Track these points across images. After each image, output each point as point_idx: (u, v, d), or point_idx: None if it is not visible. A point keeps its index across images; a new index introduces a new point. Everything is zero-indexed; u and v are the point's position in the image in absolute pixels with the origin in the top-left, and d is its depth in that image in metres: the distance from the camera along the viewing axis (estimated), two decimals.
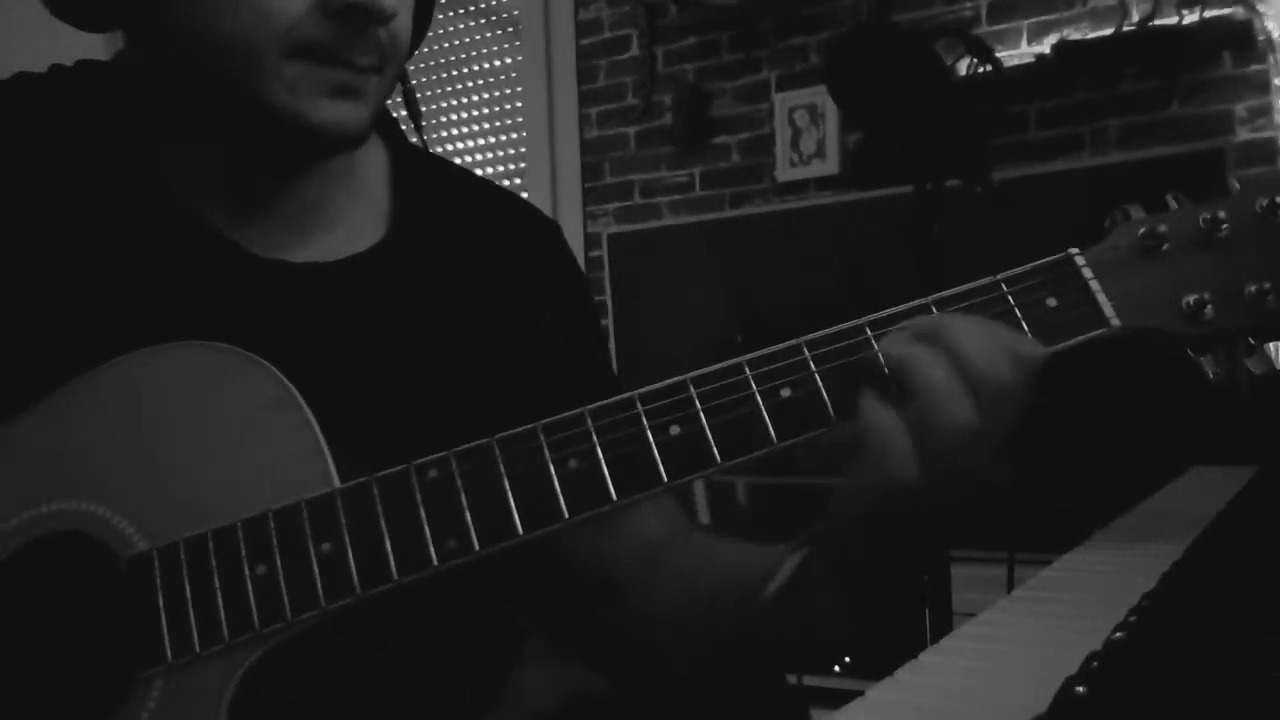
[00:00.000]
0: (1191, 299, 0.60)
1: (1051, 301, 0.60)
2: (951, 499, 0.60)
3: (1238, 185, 0.61)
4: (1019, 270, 0.61)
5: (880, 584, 0.64)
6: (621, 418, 0.60)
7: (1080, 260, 0.61)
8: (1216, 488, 1.07)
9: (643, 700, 0.84)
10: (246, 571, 0.61)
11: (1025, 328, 0.60)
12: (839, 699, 0.50)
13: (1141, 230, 0.61)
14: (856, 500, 0.61)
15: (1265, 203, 0.60)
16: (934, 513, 0.60)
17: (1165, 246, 0.61)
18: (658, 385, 0.60)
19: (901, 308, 0.61)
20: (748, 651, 0.73)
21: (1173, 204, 0.62)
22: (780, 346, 0.60)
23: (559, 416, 0.61)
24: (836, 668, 2.16)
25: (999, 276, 0.61)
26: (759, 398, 0.60)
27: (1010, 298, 0.60)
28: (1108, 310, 0.60)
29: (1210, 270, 0.60)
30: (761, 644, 0.71)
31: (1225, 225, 0.60)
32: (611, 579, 0.79)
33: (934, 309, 0.60)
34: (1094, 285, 0.60)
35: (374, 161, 0.83)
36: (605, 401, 0.61)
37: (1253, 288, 0.59)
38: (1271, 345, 0.65)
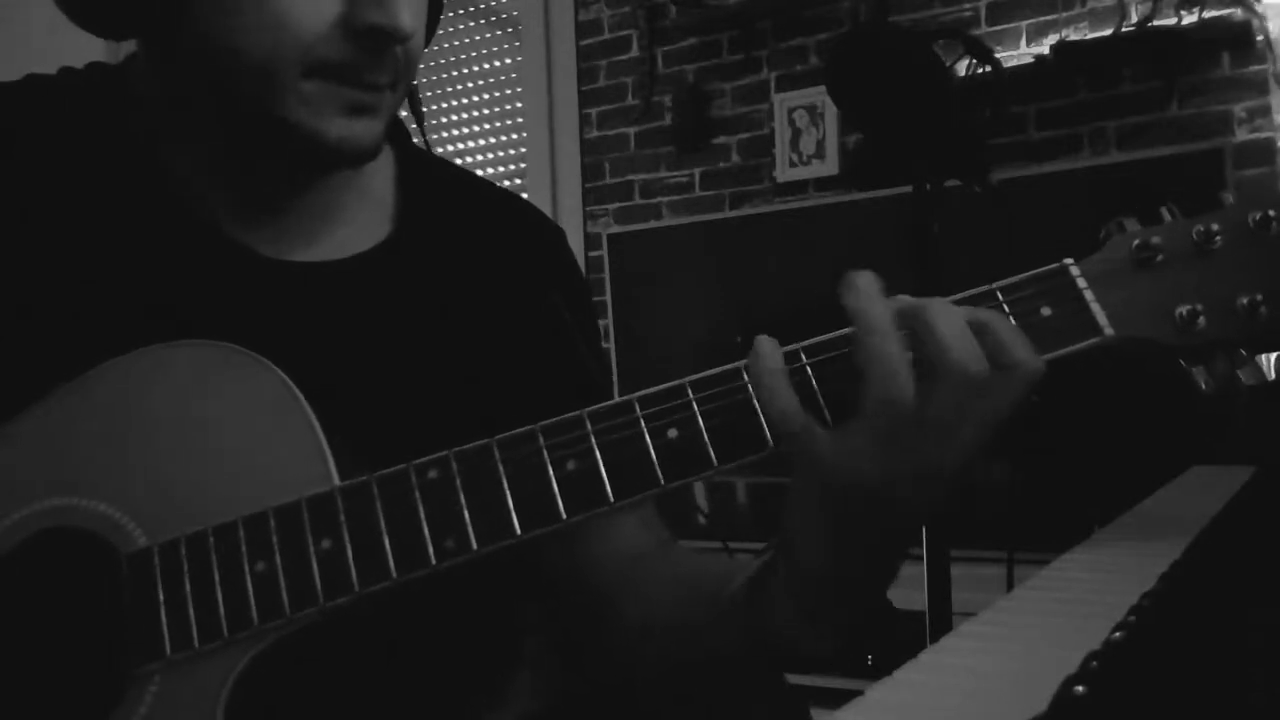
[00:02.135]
0: (1184, 310, 0.60)
1: (1046, 310, 0.61)
2: (912, 503, 0.59)
3: (1231, 198, 0.62)
4: (1014, 279, 0.62)
5: (847, 595, 0.64)
6: (620, 420, 0.60)
7: (1075, 270, 0.61)
8: (1216, 488, 1.06)
9: (629, 704, 0.84)
10: (246, 568, 0.61)
11: None
12: (839, 699, 0.50)
13: (1135, 242, 0.61)
14: (810, 500, 0.61)
15: (1258, 216, 0.60)
16: (893, 517, 0.60)
17: (1159, 258, 0.61)
18: (656, 389, 0.61)
19: None
20: (719, 659, 0.73)
21: (1167, 216, 0.63)
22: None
23: (558, 419, 0.61)
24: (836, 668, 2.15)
25: (994, 285, 0.61)
26: (756, 402, 0.60)
27: (1005, 306, 0.61)
28: (1101, 320, 0.61)
29: (1203, 282, 0.61)
30: (730, 651, 0.71)
31: (1218, 238, 0.61)
32: (595, 588, 0.79)
33: None
34: (1088, 295, 0.61)
35: (380, 163, 0.83)
36: (604, 404, 0.61)
37: (1245, 299, 0.60)
38: (1263, 357, 0.65)
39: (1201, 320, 0.60)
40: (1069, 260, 0.62)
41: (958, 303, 0.61)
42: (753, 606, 0.66)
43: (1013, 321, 0.59)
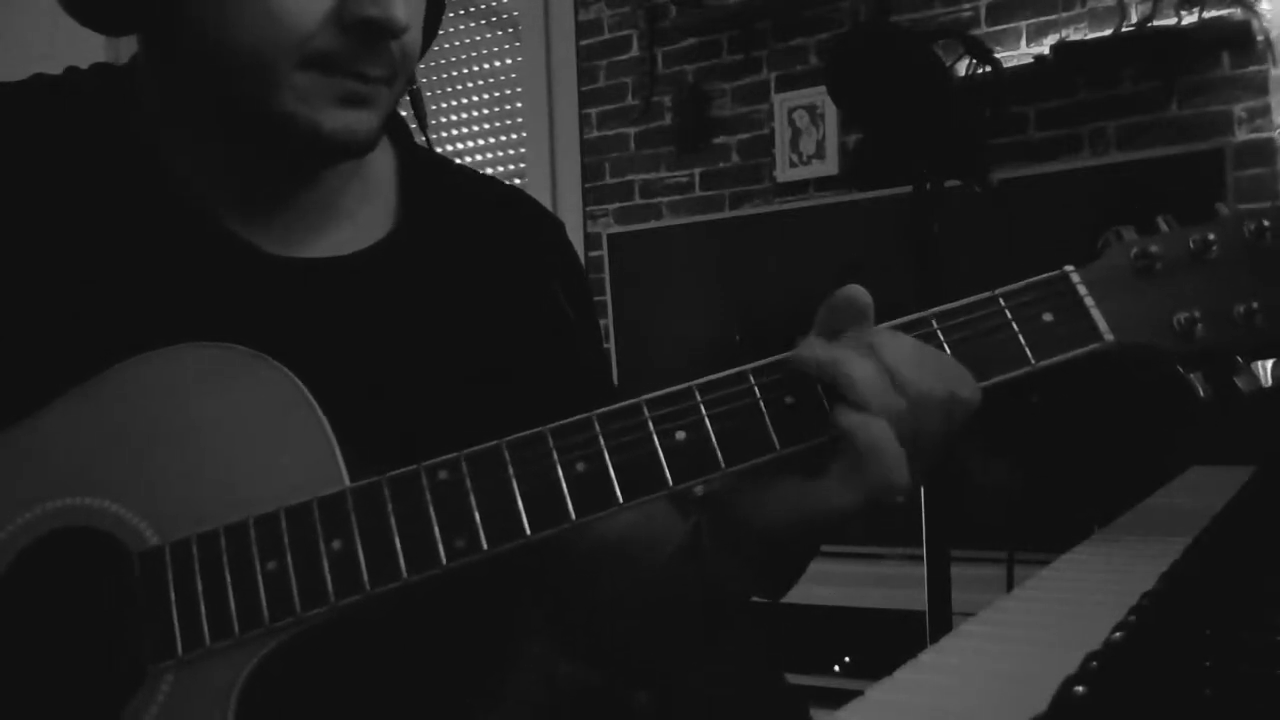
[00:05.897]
0: (1183, 317, 0.62)
1: (1048, 317, 0.62)
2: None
3: (1226, 209, 0.63)
4: (1016, 286, 0.63)
5: (783, 551, 0.66)
6: (628, 423, 0.61)
7: (1076, 278, 0.63)
8: (1216, 487, 1.07)
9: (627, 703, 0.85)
10: (258, 568, 0.61)
11: (1022, 341, 0.61)
12: (839, 699, 0.51)
13: (1134, 250, 0.63)
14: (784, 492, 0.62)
15: (1253, 226, 0.62)
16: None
17: (1157, 266, 0.63)
18: (664, 391, 0.62)
19: (898, 321, 0.62)
20: (660, 609, 0.75)
21: (1163, 226, 0.64)
22: (784, 356, 0.62)
23: (567, 421, 0.62)
24: (836, 668, 2.16)
25: (997, 292, 0.63)
26: (763, 405, 0.61)
27: (1008, 312, 0.62)
28: (1102, 326, 0.62)
29: (1201, 290, 0.62)
30: (670, 602, 0.73)
31: (1214, 247, 0.62)
32: (581, 556, 0.80)
33: (934, 322, 0.62)
34: (1089, 302, 0.62)
35: (382, 160, 0.84)
36: (612, 407, 0.62)
37: (1241, 307, 0.61)
38: (1259, 364, 0.67)
39: (1199, 327, 0.61)
40: (1070, 267, 0.63)
41: (959, 309, 0.62)
42: (690, 563, 0.68)
43: (1016, 328, 0.61)
